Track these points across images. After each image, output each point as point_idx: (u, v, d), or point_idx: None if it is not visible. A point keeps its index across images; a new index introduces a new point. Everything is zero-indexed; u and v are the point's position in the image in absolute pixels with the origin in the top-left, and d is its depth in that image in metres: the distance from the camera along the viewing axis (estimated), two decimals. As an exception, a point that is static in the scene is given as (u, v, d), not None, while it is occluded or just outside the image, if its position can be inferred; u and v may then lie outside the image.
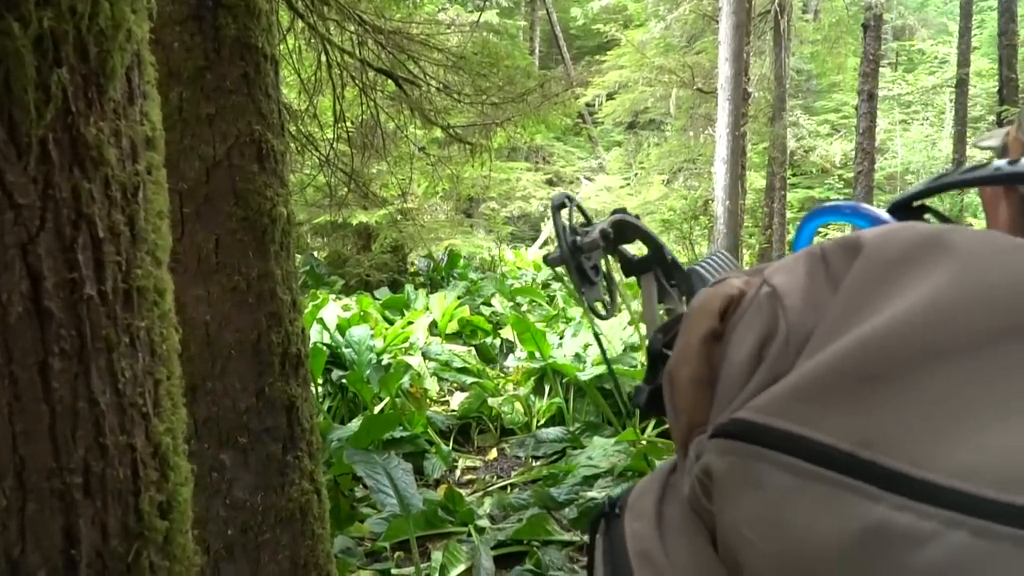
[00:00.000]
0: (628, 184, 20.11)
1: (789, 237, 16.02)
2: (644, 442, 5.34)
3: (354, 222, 8.75)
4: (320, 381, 5.46)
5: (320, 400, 5.40)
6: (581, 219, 1.33)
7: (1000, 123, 10.64)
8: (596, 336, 1.43)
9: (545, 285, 13.14)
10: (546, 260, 1.29)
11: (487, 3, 22.57)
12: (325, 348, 5.56)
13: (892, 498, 0.39)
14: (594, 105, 14.46)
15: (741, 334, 0.52)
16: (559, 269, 1.27)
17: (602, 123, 21.32)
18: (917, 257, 0.47)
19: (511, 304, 9.31)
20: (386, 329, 6.71)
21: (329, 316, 5.97)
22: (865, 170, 11.36)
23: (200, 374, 1.61)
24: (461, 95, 3.72)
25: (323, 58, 3.35)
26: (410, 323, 7.02)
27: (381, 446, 5.02)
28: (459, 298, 10.22)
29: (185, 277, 1.60)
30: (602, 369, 5.65)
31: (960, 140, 12.35)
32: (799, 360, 0.47)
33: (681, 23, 11.90)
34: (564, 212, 1.27)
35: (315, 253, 11.66)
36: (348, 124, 3.74)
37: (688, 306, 0.69)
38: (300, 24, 3.49)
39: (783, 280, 0.52)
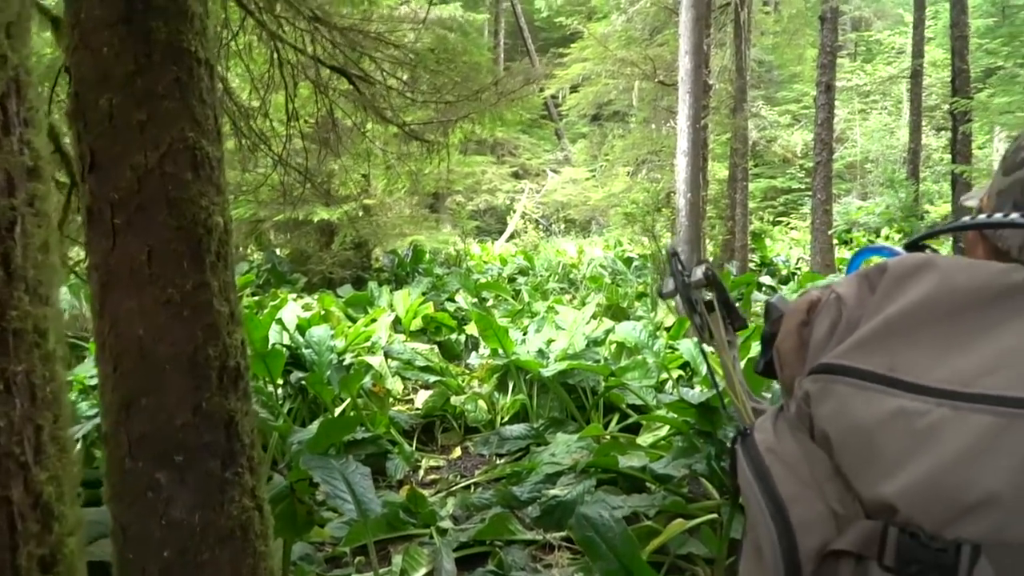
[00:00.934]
0: (594, 176, 20.17)
1: (752, 227, 16.15)
2: (608, 437, 5.35)
3: (315, 219, 8.64)
4: (280, 383, 5.38)
5: (280, 402, 5.32)
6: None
7: (952, 114, 10.80)
8: (704, 357, 1.49)
9: (511, 279, 13.13)
10: (660, 294, 1.67)
11: (449, -5, 22.47)
12: (285, 349, 5.48)
13: (906, 395, 0.81)
14: (558, 97, 14.44)
15: (820, 321, 0.96)
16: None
17: (567, 115, 21.34)
18: (917, 271, 0.89)
19: (475, 300, 9.27)
20: (348, 328, 6.64)
21: (289, 316, 5.89)
22: (824, 160, 11.48)
23: (134, 390, 1.56)
24: (415, 93, 3.66)
25: (275, 55, 3.28)
26: (372, 321, 6.95)
27: (343, 448, 4.97)
28: (424, 294, 10.15)
29: (117, 290, 1.55)
30: (565, 364, 5.63)
31: (916, 129, 12.54)
32: (853, 334, 0.89)
33: (643, 16, 11.91)
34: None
35: (277, 250, 11.53)
36: (302, 122, 3.67)
37: (770, 313, 1.23)
38: (251, 21, 3.42)
39: (843, 290, 0.96)
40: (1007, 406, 0.75)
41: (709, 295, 1.60)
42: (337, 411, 5.32)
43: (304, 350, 5.51)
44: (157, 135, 1.55)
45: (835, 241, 20.02)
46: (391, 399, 6.39)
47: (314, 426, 5.16)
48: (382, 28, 3.85)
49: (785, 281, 12.95)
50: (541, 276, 12.81)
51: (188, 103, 1.59)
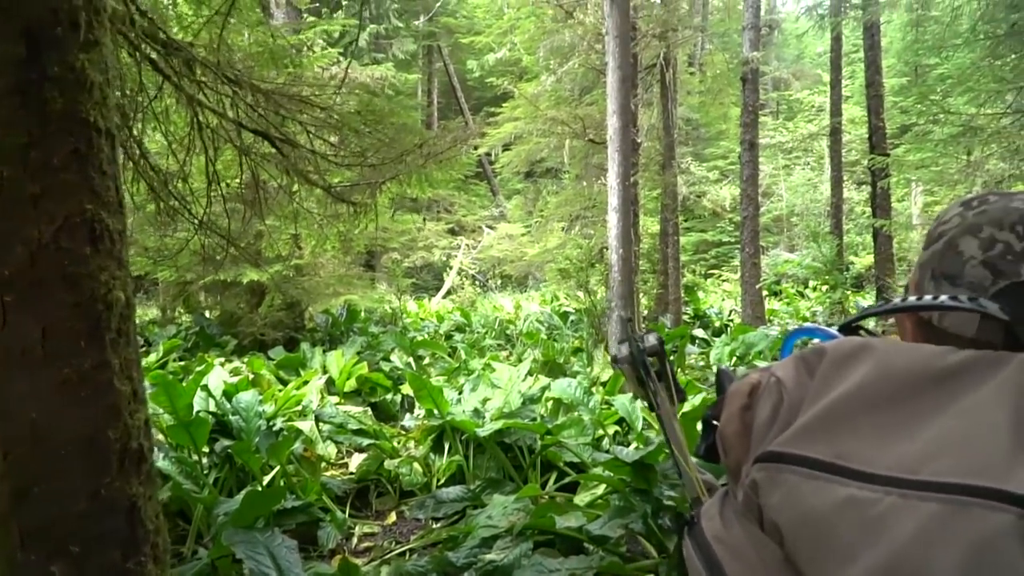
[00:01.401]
0: (529, 232, 20.36)
1: (684, 280, 16.45)
2: (546, 497, 5.28)
3: (245, 280, 8.46)
4: (206, 451, 5.19)
5: (205, 472, 5.12)
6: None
7: (871, 170, 11.27)
8: (660, 421, 1.47)
9: (448, 336, 13.04)
10: (614, 359, 1.66)
11: (385, 55, 22.68)
12: (210, 416, 5.30)
13: (855, 483, 0.80)
14: (492, 155, 14.63)
15: (762, 405, 0.96)
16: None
17: (501, 173, 21.61)
18: (855, 355, 0.91)
19: (411, 358, 9.16)
20: (280, 391, 6.46)
21: (215, 381, 5.70)
22: (750, 215, 11.80)
23: (27, 477, 1.45)
24: (339, 156, 3.63)
25: (195, 119, 3.22)
26: (304, 384, 6.79)
27: (271, 519, 4.79)
28: (358, 354, 9.99)
29: (8, 371, 1.46)
30: (501, 424, 5.57)
31: (837, 184, 13.03)
32: (796, 417, 0.90)
33: (572, 76, 12.19)
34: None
35: (207, 313, 11.25)
36: (224, 185, 3.60)
37: (725, 391, 1.12)
38: (169, 85, 3.36)
39: (783, 373, 0.96)
40: (952, 493, 0.75)
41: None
42: (266, 479, 5.13)
43: (231, 416, 5.33)
44: (53, 209, 1.48)
45: (764, 292, 20.54)
46: (324, 464, 6.21)
47: (240, 497, 4.99)
48: (306, 91, 3.83)
49: (718, 333, 13.16)
50: (478, 332, 12.77)
51: (87, 175, 1.53)
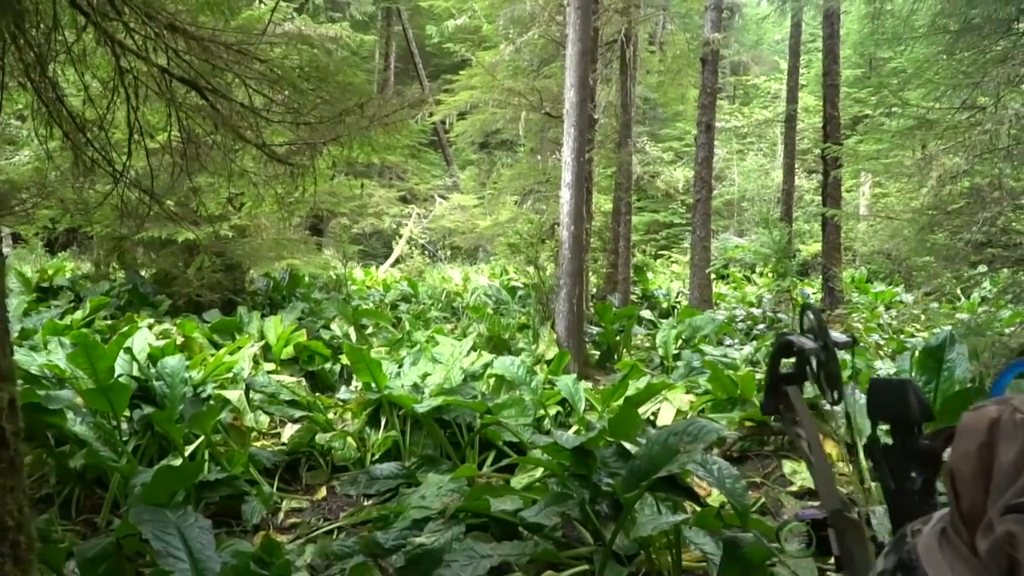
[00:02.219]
0: (481, 204, 20.12)
1: (635, 260, 16.42)
2: (483, 477, 5.15)
3: (180, 238, 8.10)
4: (128, 417, 4.93)
5: (125, 440, 4.86)
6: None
7: (824, 159, 11.30)
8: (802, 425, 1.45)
9: (393, 306, 12.81)
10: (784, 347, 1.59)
11: (342, 15, 22.05)
12: (133, 381, 5.03)
13: None
14: (445, 123, 14.32)
15: (1005, 446, 0.83)
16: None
17: (455, 142, 21.27)
18: None
19: (352, 328, 8.92)
20: (211, 356, 6.19)
21: (140, 344, 5.41)
22: (703, 198, 11.76)
23: None
24: (271, 112, 3.38)
25: (119, 64, 2.94)
26: (238, 350, 6.52)
27: (193, 491, 4.57)
28: (299, 320, 9.71)
29: None
30: (440, 400, 5.40)
31: (789, 171, 13.07)
32: None
33: (531, 47, 11.94)
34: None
35: (142, 271, 10.81)
36: (149, 137, 3.33)
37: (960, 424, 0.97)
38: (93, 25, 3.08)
39: None
40: None
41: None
42: (189, 449, 4.89)
43: (155, 382, 5.06)
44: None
45: (713, 276, 20.70)
46: (255, 435, 5.99)
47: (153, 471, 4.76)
48: (244, 40, 3.56)
49: (665, 315, 13.17)
50: (424, 304, 12.55)
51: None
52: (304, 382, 6.65)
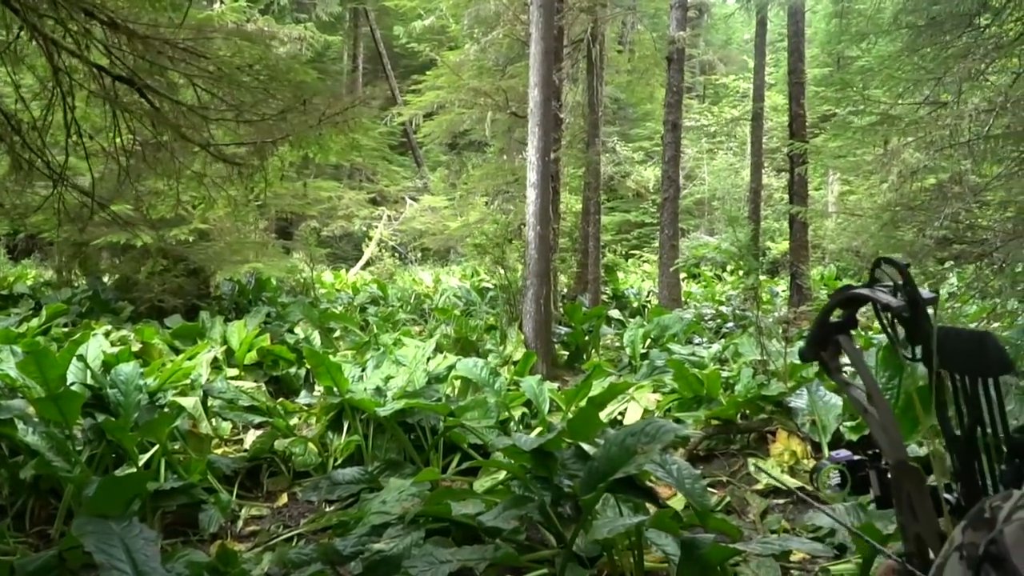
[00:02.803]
0: (452, 205, 20.02)
1: (604, 260, 16.44)
2: (446, 482, 5.08)
3: (139, 243, 7.94)
4: (82, 425, 4.81)
5: (78, 449, 4.74)
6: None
7: (790, 157, 11.35)
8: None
9: (362, 309, 12.69)
10: (884, 307, 1.48)
11: (308, 16, 21.86)
12: (86, 389, 4.90)
13: None
14: (412, 125, 14.23)
15: None
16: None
17: (424, 144, 21.17)
18: None
19: (317, 331, 8.81)
20: (169, 363, 6.07)
21: (94, 351, 5.28)
22: (671, 196, 11.78)
23: None
24: (210, 111, 3.29)
25: (52, 62, 2.84)
26: (196, 355, 6.40)
27: (149, 500, 4.46)
28: (264, 324, 9.57)
29: None
30: (403, 403, 5.32)
31: (757, 170, 13.12)
32: None
33: (496, 47, 11.89)
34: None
35: (105, 277, 10.61)
36: (88, 138, 3.23)
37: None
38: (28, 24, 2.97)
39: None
40: None
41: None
42: (144, 458, 4.78)
43: (109, 390, 4.94)
44: None
45: (683, 275, 20.76)
46: (216, 441, 5.87)
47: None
48: (185, 38, 3.47)
49: (635, 314, 13.16)
50: (393, 306, 12.45)
51: None
52: (264, 387, 6.54)
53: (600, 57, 12.70)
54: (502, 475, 4.83)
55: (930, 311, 1.43)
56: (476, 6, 11.36)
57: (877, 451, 1.56)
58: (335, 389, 5.65)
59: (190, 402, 4.99)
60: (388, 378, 6.09)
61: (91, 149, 3.20)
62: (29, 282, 11.39)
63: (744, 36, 36.62)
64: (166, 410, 4.95)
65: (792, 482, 5.33)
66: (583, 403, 5.20)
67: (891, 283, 1.48)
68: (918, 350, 1.45)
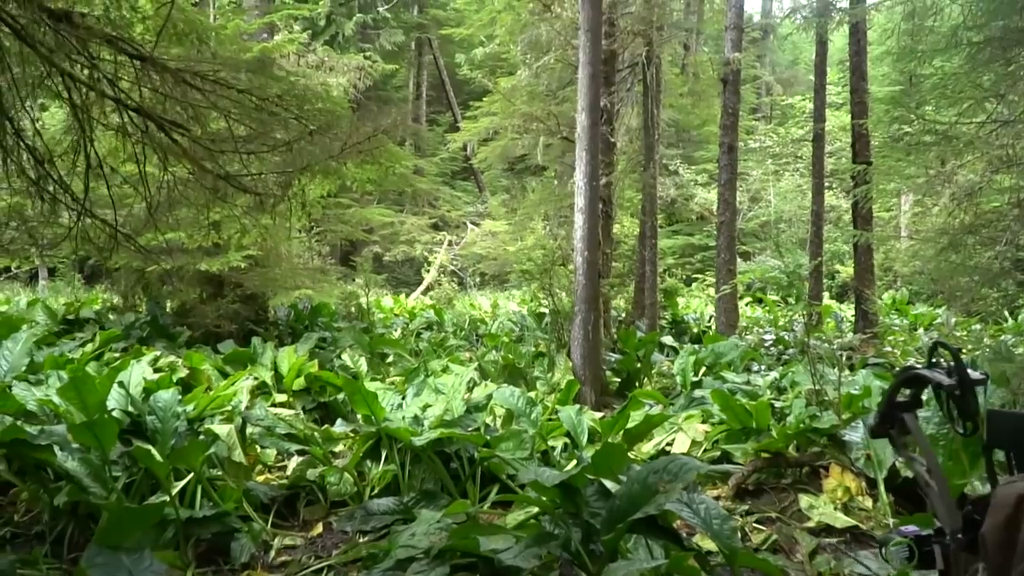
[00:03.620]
0: (511, 229, 20.03)
1: (664, 284, 16.17)
2: (472, 514, 4.97)
3: (191, 270, 8.12)
4: (116, 454, 4.87)
5: (115, 476, 4.79)
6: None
7: (854, 177, 10.98)
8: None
9: (418, 334, 12.73)
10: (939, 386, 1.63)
11: (372, 46, 22.30)
12: (125, 416, 4.98)
13: None
14: (466, 149, 14.28)
15: None
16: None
17: (484, 169, 21.27)
18: None
19: (363, 358, 8.83)
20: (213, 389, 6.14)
21: (135, 378, 5.37)
22: (727, 220, 11.51)
23: None
24: (221, 142, 3.29)
25: (71, 96, 2.90)
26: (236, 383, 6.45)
27: (182, 528, 4.48)
28: (316, 350, 9.66)
29: None
30: (438, 433, 5.26)
31: (819, 192, 12.72)
32: None
33: (549, 72, 11.87)
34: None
35: (168, 302, 10.90)
36: (109, 170, 3.28)
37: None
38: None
39: None
40: None
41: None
42: (179, 485, 4.81)
43: (147, 417, 5.00)
44: None
45: (747, 300, 20.27)
46: (260, 467, 5.90)
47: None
48: (219, 71, 3.51)
49: (696, 340, 12.86)
50: (446, 332, 12.45)
51: None
52: (302, 414, 6.55)
53: (656, 80, 12.56)
54: (535, 509, 4.70)
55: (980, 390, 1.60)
56: (528, 32, 11.38)
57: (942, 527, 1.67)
58: (372, 417, 5.62)
59: (224, 429, 5.01)
60: (426, 406, 6.03)
61: (113, 179, 3.24)
62: (96, 307, 11.76)
63: (812, 56, 35.93)
64: (201, 437, 4.97)
65: (845, 520, 5.07)
66: (618, 435, 5.05)
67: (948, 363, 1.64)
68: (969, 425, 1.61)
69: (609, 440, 5.40)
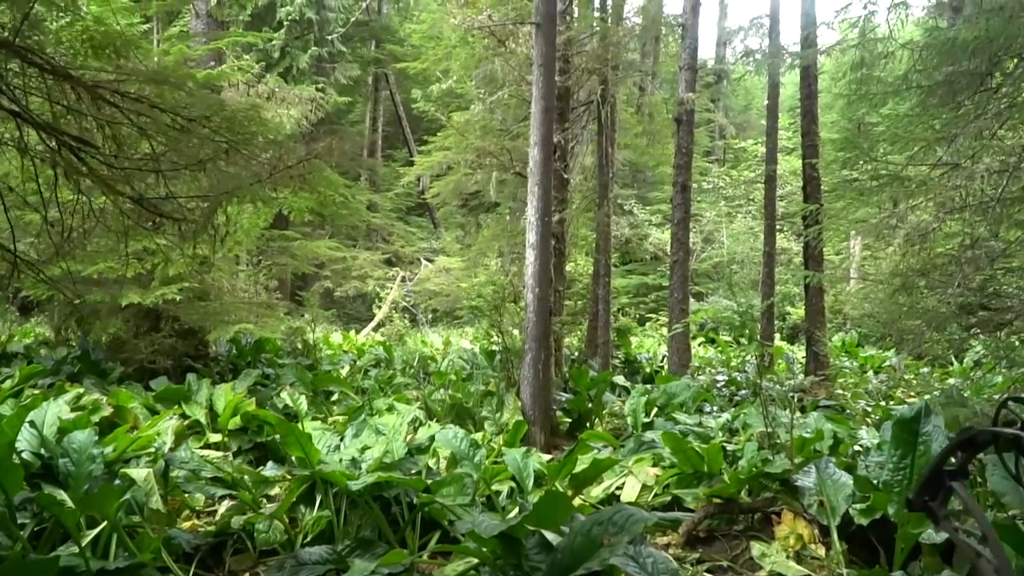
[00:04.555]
0: (465, 266, 19.82)
1: (617, 323, 16.07)
2: (409, 565, 4.68)
3: (123, 303, 7.73)
4: (19, 500, 4.49)
5: (20, 526, 4.41)
6: None
7: (804, 219, 11.02)
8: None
9: (365, 372, 12.37)
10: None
11: (327, 80, 22.12)
12: (36, 459, 4.60)
13: None
14: (419, 185, 14.07)
15: None
16: None
17: (440, 205, 21.11)
18: None
19: (309, 395, 8.49)
20: (134, 430, 5.76)
21: (51, 417, 5.00)
22: (680, 259, 11.44)
23: None
24: (120, 160, 3.03)
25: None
26: (182, 418, 6.09)
27: (91, 580, 4.11)
28: (259, 386, 9.29)
29: None
30: (375, 477, 4.96)
31: (770, 233, 12.76)
32: None
33: (503, 107, 11.79)
34: None
35: (103, 337, 10.41)
36: (8, 190, 3.00)
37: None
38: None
39: None
40: None
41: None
42: (92, 534, 4.43)
43: (60, 459, 4.63)
44: None
45: (700, 340, 20.27)
46: (188, 512, 5.52)
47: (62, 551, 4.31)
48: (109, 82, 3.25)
49: (648, 380, 12.72)
50: (395, 369, 12.13)
51: None
52: (238, 456, 6.20)
53: (611, 119, 12.56)
54: (476, 560, 4.43)
55: None
56: (484, 67, 11.31)
57: None
58: (306, 460, 5.31)
59: (141, 474, 4.66)
60: (364, 448, 5.74)
61: (17, 202, 2.96)
62: (27, 341, 11.22)
63: (764, 102, 36.75)
64: (117, 482, 4.61)
65: (797, 570, 4.88)
66: (565, 480, 4.81)
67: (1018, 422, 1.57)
68: None
69: (556, 486, 5.15)
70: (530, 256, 7.94)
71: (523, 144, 11.28)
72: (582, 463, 5.33)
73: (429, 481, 5.13)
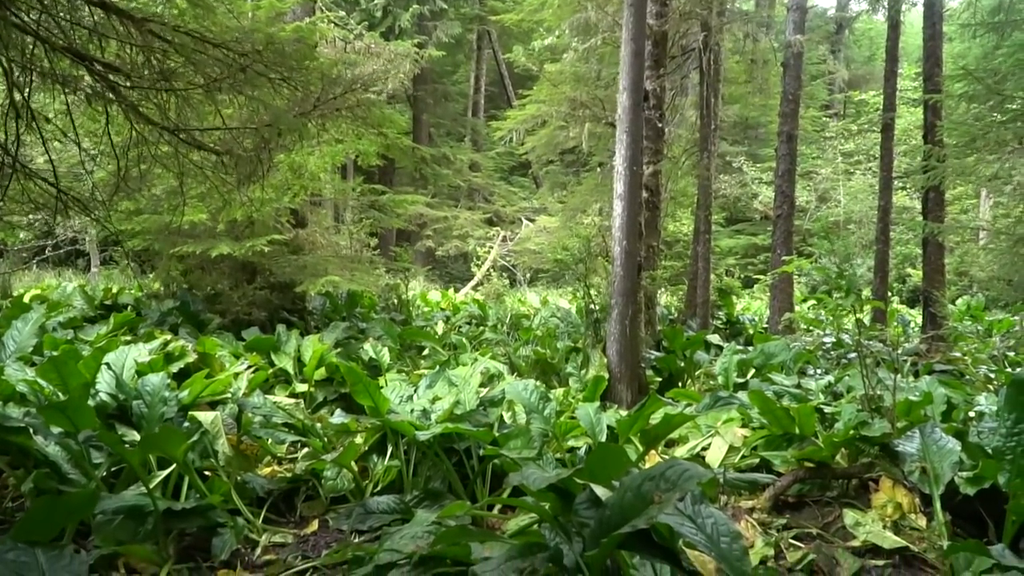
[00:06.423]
0: (562, 224, 19.54)
1: (721, 283, 15.47)
2: (472, 518, 4.54)
3: (213, 253, 7.88)
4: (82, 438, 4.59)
5: (95, 465, 4.51)
6: None
7: (925, 169, 10.17)
8: None
9: (458, 328, 12.37)
10: None
11: (428, 38, 22.06)
12: (112, 400, 4.70)
13: None
14: (511, 140, 13.87)
15: None
16: None
17: (536, 160, 20.81)
18: None
19: (393, 348, 8.49)
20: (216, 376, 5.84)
21: (129, 360, 5.09)
22: (784, 214, 10.81)
23: None
24: (131, 78, 2.92)
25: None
26: (256, 367, 6.16)
27: (161, 520, 4.16)
28: (350, 339, 9.37)
29: None
30: (442, 428, 4.84)
31: (887, 187, 11.83)
32: None
33: (596, 55, 11.35)
34: None
35: (199, 288, 10.76)
36: (44, 121, 2.96)
37: None
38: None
39: None
40: None
41: None
42: (162, 475, 4.50)
43: (134, 401, 4.71)
44: None
45: (813, 302, 19.30)
46: (270, 458, 5.58)
47: (129, 493, 4.39)
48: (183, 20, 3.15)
49: (749, 342, 12.18)
50: (486, 326, 12.06)
51: None
52: (302, 404, 6.21)
53: (714, 68, 11.92)
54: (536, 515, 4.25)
55: None
56: (579, 15, 10.89)
57: None
58: (376, 409, 5.25)
59: (208, 417, 4.68)
60: (436, 399, 5.63)
61: (42, 133, 2.92)
62: (137, 294, 11.72)
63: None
64: (186, 425, 4.66)
65: (894, 540, 4.47)
66: (635, 436, 4.55)
67: None
68: None
69: (632, 440, 4.90)
70: (617, 207, 7.61)
71: (614, 92, 10.85)
72: (654, 419, 5.05)
73: (497, 434, 4.97)
